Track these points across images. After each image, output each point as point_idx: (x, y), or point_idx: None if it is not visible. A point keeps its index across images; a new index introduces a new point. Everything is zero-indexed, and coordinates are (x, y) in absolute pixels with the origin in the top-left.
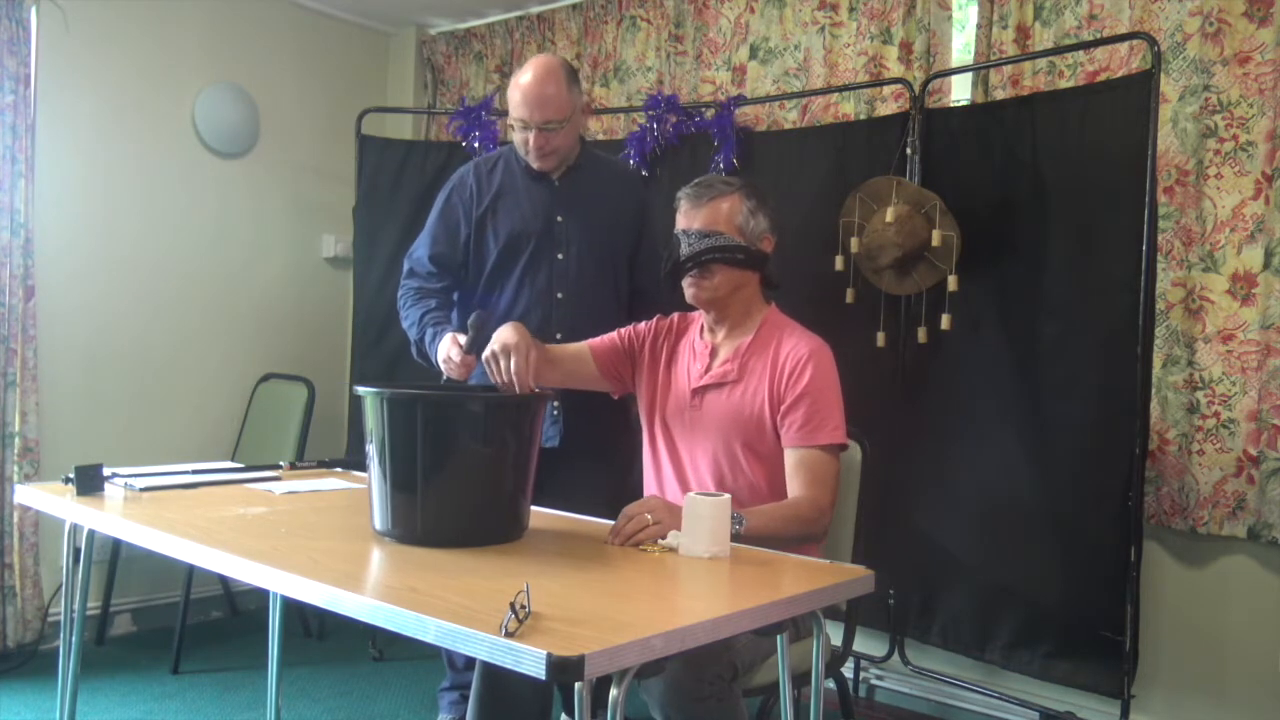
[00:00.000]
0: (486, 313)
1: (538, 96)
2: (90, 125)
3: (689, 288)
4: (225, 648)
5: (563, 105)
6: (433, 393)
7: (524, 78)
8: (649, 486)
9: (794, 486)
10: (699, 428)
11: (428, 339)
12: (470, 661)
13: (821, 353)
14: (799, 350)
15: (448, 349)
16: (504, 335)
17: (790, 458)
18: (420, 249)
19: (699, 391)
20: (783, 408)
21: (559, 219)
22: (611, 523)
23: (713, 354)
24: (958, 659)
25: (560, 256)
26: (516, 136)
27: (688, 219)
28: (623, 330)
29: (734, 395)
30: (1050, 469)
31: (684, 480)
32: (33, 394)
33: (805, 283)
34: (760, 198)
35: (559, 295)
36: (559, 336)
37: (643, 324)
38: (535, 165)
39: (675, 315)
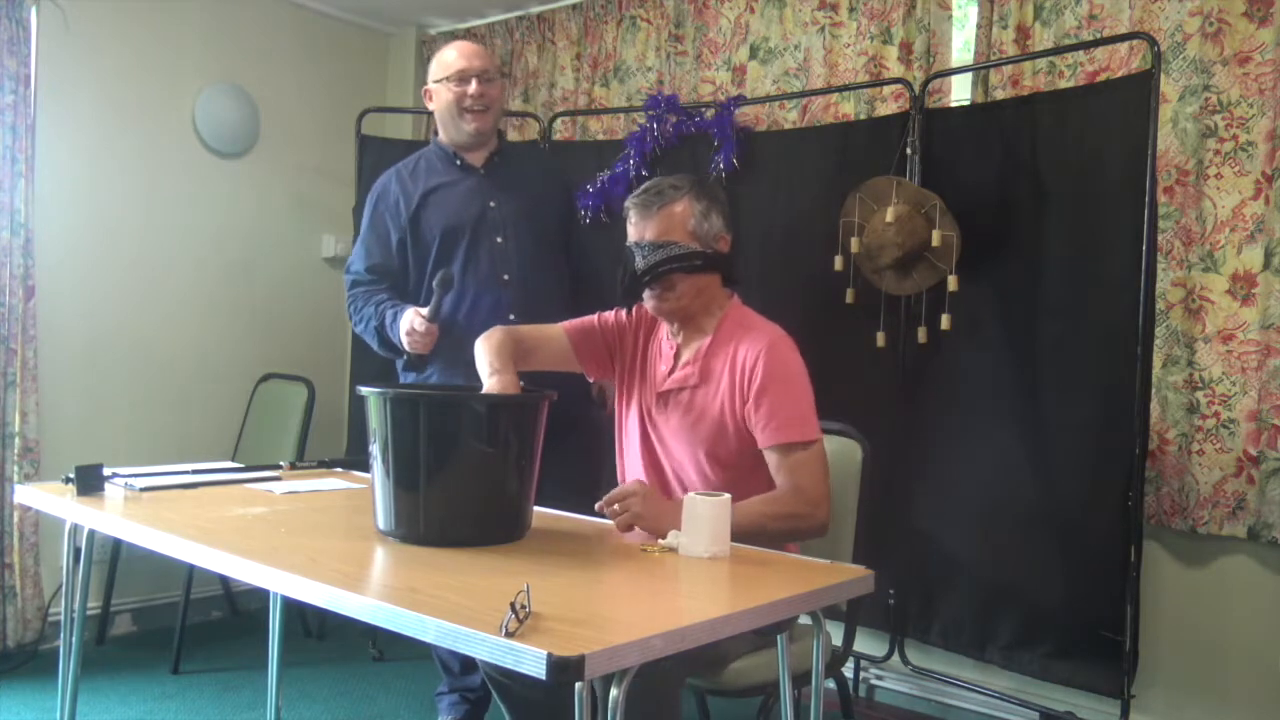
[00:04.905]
0: (449, 271)
1: (475, 49)
2: (90, 125)
3: (650, 301)
4: (225, 648)
5: (495, 61)
6: (436, 393)
7: (454, 43)
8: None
9: (781, 486)
10: (667, 433)
11: (388, 321)
12: (466, 664)
13: (779, 343)
14: (755, 345)
15: (410, 321)
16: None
17: (770, 459)
18: (356, 263)
19: (664, 396)
20: (747, 408)
21: (491, 204)
22: (610, 523)
23: (677, 355)
24: (958, 659)
25: (499, 239)
26: (450, 95)
27: (639, 230)
28: (604, 315)
29: (695, 400)
30: (1050, 469)
31: (665, 483)
32: (33, 394)
33: (805, 283)
34: (711, 196)
35: (505, 277)
36: (512, 318)
37: (624, 312)
38: (470, 127)
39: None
